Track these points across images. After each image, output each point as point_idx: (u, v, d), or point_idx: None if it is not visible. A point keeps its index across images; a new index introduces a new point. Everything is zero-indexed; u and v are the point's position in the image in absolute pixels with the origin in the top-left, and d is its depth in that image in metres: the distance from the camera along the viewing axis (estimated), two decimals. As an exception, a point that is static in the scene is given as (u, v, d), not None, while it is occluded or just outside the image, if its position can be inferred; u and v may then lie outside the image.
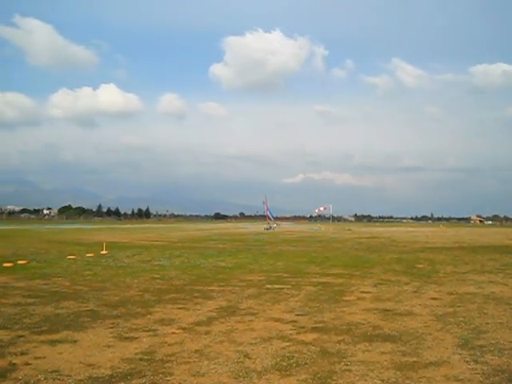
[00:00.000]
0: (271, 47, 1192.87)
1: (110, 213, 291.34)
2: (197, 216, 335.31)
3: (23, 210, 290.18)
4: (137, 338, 11.06)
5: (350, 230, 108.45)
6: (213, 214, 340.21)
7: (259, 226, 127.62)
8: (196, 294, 17.09)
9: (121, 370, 8.72)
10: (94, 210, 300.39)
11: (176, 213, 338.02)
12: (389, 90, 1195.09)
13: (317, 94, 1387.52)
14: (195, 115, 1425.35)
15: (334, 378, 8.39)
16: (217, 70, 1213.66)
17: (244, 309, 14.55)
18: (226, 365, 9.07)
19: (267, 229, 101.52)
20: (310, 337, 11.22)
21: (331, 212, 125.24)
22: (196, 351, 9.95)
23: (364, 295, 17.20)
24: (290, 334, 11.45)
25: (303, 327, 12.23)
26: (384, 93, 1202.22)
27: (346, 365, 9.09)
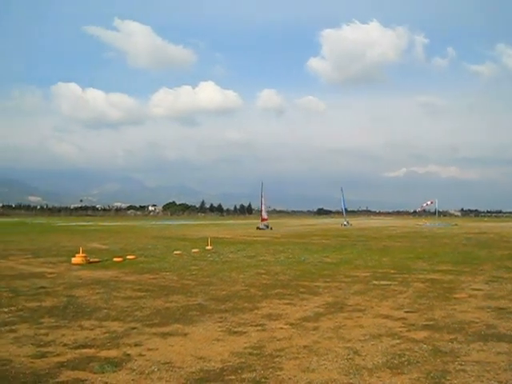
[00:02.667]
0: (369, 38, 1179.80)
1: (212, 209, 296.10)
2: (299, 211, 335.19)
3: (129, 207, 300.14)
4: (245, 332, 11.14)
5: (456, 225, 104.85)
6: (315, 210, 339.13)
7: (359, 222, 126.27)
8: (302, 290, 17.04)
9: (231, 364, 8.79)
10: (197, 206, 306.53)
11: (278, 208, 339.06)
12: (494, 78, 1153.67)
13: (417, 84, 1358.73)
14: (294, 110, 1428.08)
15: (448, 378, 8.10)
16: (314, 63, 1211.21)
17: (351, 305, 14.36)
18: (336, 361, 8.96)
19: (344, 225, 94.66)
20: (421, 335, 10.91)
21: (436, 207, 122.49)
22: (305, 347, 9.89)
23: (475, 293, 16.57)
24: (400, 332, 11.18)
25: (413, 325, 11.92)
26: (488, 81, 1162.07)
27: (461, 364, 8.75)
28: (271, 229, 74.42)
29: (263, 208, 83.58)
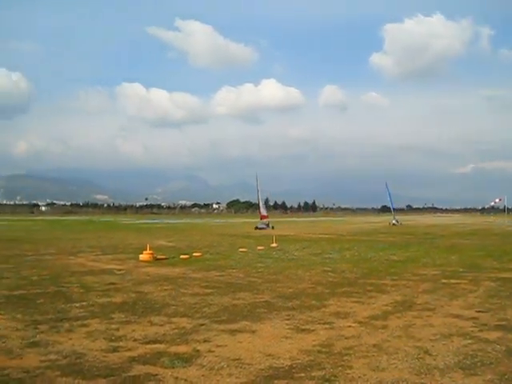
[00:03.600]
0: (432, 31, 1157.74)
1: (276, 206, 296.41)
2: (363, 209, 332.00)
3: (194, 205, 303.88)
4: (313, 330, 11.11)
5: None
6: (379, 207, 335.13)
7: (425, 219, 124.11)
8: (369, 288, 16.89)
9: (300, 362, 8.78)
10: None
11: (342, 206, 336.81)
12: None
13: (483, 77, 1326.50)
14: (357, 106, 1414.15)
15: (524, 380, 7.89)
16: (377, 59, 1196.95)
17: (420, 304, 14.14)
18: (406, 361, 8.84)
19: (393, 223, 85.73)
20: (494, 335, 10.64)
21: (506, 204, 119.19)
22: (374, 345, 9.80)
23: (550, 292, 16.05)
24: (472, 332, 10.93)
25: (485, 324, 11.64)
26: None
27: (537, 367, 8.51)
28: (273, 228, 65.21)
29: (261, 204, 73.89)
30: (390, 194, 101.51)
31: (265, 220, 69.50)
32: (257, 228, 65.47)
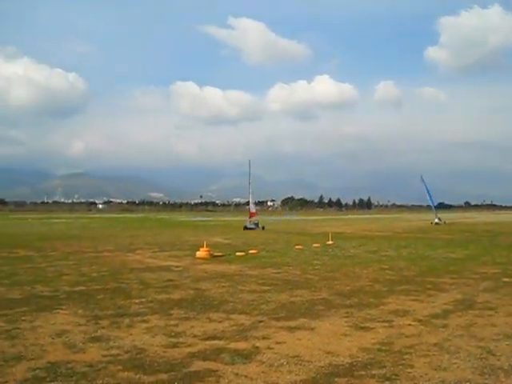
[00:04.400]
0: (490, 24, 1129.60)
1: (331, 203, 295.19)
2: (419, 206, 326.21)
3: (248, 202, 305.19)
4: (372, 328, 11.02)
5: None
6: (435, 204, 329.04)
7: (484, 216, 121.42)
8: (428, 286, 16.63)
9: (360, 360, 8.72)
10: (316, 200, 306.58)
11: (398, 203, 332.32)
12: None
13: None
14: (412, 102, 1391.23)
15: None
16: (432, 53, 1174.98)
17: (481, 302, 13.86)
18: (469, 360, 8.67)
19: (436, 223, 76.53)
20: (560, 335, 10.35)
21: None
22: (435, 344, 9.65)
23: None
24: (537, 332, 10.65)
25: (550, 325, 11.33)
26: None
27: None
28: (263, 228, 57.81)
29: (251, 199, 65.39)
30: (428, 190, 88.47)
31: (254, 219, 61.13)
32: (246, 228, 57.63)
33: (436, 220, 78.45)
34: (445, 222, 77.95)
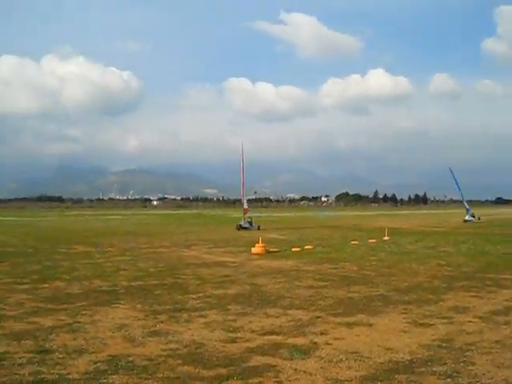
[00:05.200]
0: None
1: (386, 199, 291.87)
2: (477, 201, 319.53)
3: (302, 198, 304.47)
4: (432, 324, 10.86)
5: None
6: (493, 199, 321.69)
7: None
8: (488, 283, 16.30)
9: (420, 356, 8.60)
10: (370, 196, 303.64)
11: (454, 198, 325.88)
12: None
13: None
14: (469, 95, 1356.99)
15: None
16: (489, 45, 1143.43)
17: (544, 300, 13.47)
18: (533, 358, 8.45)
19: (469, 220, 64.77)
20: None
21: None
22: (497, 342, 9.45)
23: None
24: None
25: None
26: None
27: None
28: (259, 228, 49.84)
29: (243, 194, 55.66)
30: (457, 183, 73.61)
31: (247, 215, 52.81)
32: (240, 228, 49.38)
33: (467, 217, 66.13)
34: (479, 219, 66.77)
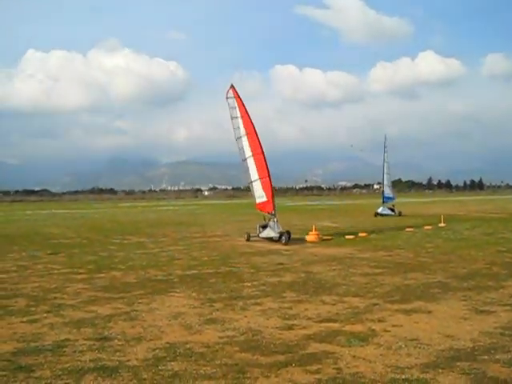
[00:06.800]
0: None
1: (440, 185, 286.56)
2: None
3: (354, 186, 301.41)
4: (493, 311, 10.60)
5: None
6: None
7: None
8: (551, 269, 15.80)
9: (482, 344, 8.40)
10: (424, 182, 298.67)
11: (511, 183, 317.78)
12: None
13: None
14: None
15: None
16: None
17: None
18: None
19: (381, 212, 47.94)
20: None
21: None
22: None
23: None
24: None
25: None
26: None
27: None
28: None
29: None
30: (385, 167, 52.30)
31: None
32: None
33: (380, 209, 48.98)
34: (400, 214, 48.39)
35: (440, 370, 7.23)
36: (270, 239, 25.65)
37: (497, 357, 7.75)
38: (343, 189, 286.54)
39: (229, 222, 45.43)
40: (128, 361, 7.89)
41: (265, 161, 26.67)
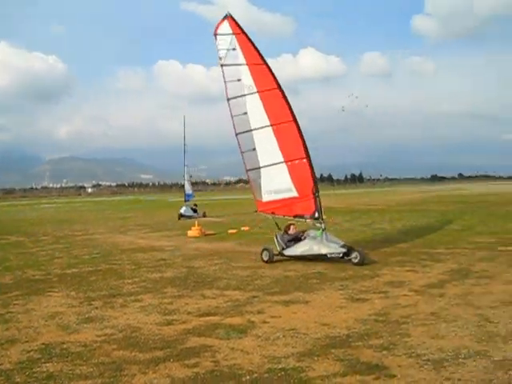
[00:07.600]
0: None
1: (323, 179, 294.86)
2: (411, 179, 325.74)
3: (239, 181, 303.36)
4: (368, 299, 10.93)
5: None
6: (429, 177, 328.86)
7: (479, 187, 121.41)
8: (423, 257, 16.55)
9: (356, 331, 8.64)
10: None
11: (390, 176, 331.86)
12: None
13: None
14: (400, 73, 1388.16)
15: None
16: (418, 21, 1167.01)
17: (477, 272, 13.73)
18: (466, 328, 8.57)
19: (185, 214, 41.09)
20: (557, 301, 10.27)
21: None
22: (432, 314, 9.56)
23: None
24: (533, 298, 10.57)
25: (547, 291, 11.25)
26: None
27: None
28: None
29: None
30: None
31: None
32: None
33: (183, 209, 42.53)
34: (204, 215, 42.66)
35: (315, 358, 7.36)
36: (314, 257, 16.52)
37: (370, 342, 7.99)
38: (228, 183, 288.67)
39: (112, 219, 44.74)
40: (0, 364, 7.55)
41: (300, 133, 17.46)
